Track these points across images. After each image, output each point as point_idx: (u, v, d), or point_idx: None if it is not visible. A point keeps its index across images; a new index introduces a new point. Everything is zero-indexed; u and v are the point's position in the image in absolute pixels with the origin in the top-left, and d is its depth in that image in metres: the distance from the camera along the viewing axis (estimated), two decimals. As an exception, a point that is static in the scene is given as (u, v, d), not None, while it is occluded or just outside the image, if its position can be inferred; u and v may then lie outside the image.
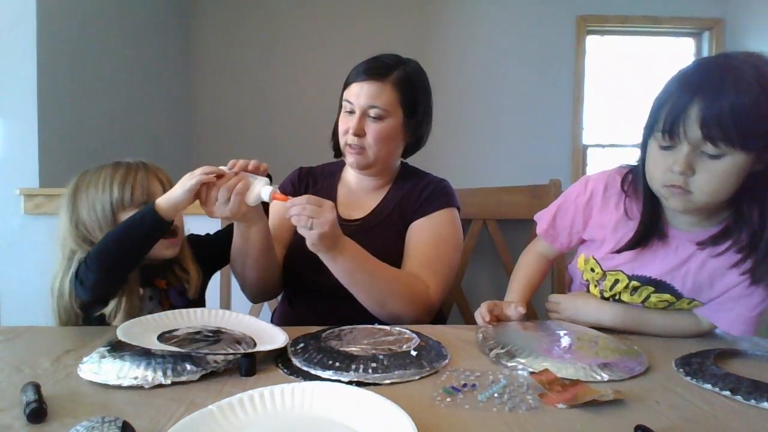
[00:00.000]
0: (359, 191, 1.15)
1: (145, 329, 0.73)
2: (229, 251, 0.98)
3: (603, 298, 0.92)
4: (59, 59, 1.72)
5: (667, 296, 0.86)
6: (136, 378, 0.61)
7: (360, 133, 1.04)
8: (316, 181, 1.18)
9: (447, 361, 0.71)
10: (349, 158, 1.08)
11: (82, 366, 0.65)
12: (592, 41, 3.69)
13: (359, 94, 1.03)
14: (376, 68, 1.05)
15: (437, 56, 3.45)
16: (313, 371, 0.65)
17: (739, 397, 0.59)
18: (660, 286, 0.85)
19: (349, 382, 0.61)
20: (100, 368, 0.64)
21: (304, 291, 1.09)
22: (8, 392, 0.59)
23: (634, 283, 0.86)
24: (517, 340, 0.76)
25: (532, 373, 0.65)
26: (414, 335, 0.77)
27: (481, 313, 0.88)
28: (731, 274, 0.80)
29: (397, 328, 0.81)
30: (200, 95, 3.41)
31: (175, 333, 0.74)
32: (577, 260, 0.98)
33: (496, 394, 0.59)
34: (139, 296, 0.92)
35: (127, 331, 0.69)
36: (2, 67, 1.56)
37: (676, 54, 3.74)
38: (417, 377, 0.65)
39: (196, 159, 3.32)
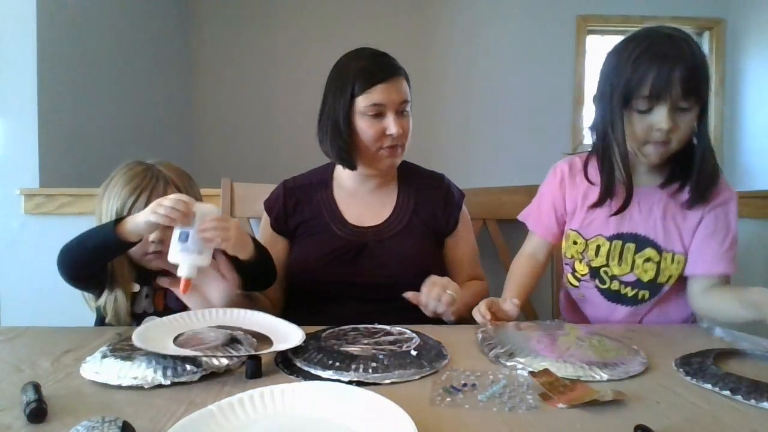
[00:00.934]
0: (360, 195, 1.13)
1: (163, 332, 0.72)
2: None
3: (591, 269, 0.99)
4: (59, 59, 1.72)
5: (649, 252, 0.94)
6: (136, 378, 0.61)
7: (401, 132, 1.04)
8: (309, 195, 1.14)
9: (447, 361, 0.71)
10: (387, 161, 1.07)
11: (84, 365, 0.65)
12: (592, 41, 3.69)
13: (390, 92, 1.02)
14: (392, 65, 1.05)
15: (437, 57, 3.45)
16: (313, 371, 0.65)
17: (739, 397, 0.59)
18: (639, 241, 0.95)
19: (349, 382, 0.61)
20: (101, 368, 0.64)
21: (327, 298, 1.06)
22: (8, 392, 0.59)
23: (616, 242, 0.96)
24: (516, 340, 0.76)
25: (532, 373, 0.65)
26: (414, 335, 0.77)
27: (480, 311, 0.89)
28: (691, 217, 0.93)
29: (397, 328, 0.81)
30: (201, 95, 3.41)
31: (181, 335, 0.74)
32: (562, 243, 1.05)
33: (496, 394, 0.59)
34: (130, 293, 0.93)
35: (142, 335, 0.69)
36: (2, 67, 1.56)
37: (676, 54, 3.73)
38: (417, 377, 0.65)
39: (196, 159, 3.32)
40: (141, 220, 0.79)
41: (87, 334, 0.83)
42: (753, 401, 0.58)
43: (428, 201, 1.14)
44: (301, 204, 1.13)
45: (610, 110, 0.90)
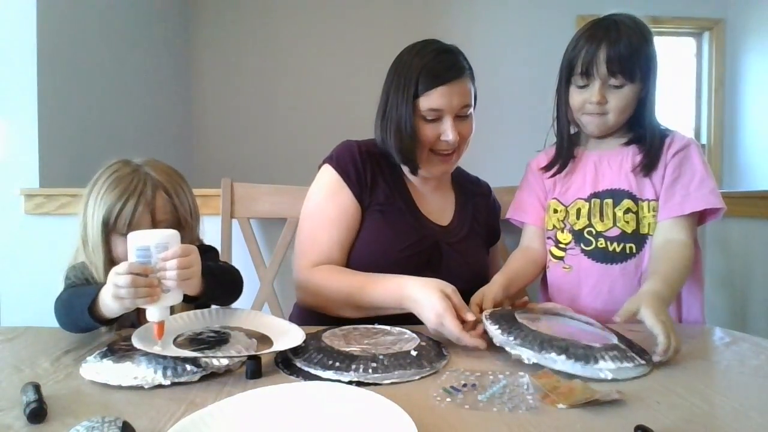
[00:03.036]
0: (424, 191, 1.08)
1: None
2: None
3: (573, 232, 1.02)
4: (59, 59, 1.72)
5: (627, 203, 0.99)
6: (136, 378, 0.61)
7: (458, 138, 0.99)
8: (382, 168, 1.04)
9: (447, 361, 0.71)
10: (438, 167, 1.03)
11: (84, 366, 0.65)
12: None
13: (451, 96, 0.97)
14: (456, 64, 0.99)
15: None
16: (313, 371, 0.65)
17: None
18: (615, 195, 1.00)
19: (349, 382, 0.61)
20: (101, 368, 0.64)
21: None
22: (8, 392, 0.59)
23: (595, 201, 1.01)
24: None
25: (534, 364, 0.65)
26: (414, 335, 0.77)
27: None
28: (659, 167, 0.99)
29: (398, 329, 0.81)
30: (201, 95, 3.40)
31: (179, 335, 0.74)
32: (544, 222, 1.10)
33: (496, 394, 0.59)
34: None
35: (141, 336, 0.69)
36: (2, 67, 1.56)
37: (676, 54, 3.73)
38: (417, 377, 0.65)
39: (196, 159, 3.32)
40: (114, 307, 0.70)
41: (87, 334, 0.83)
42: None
43: (482, 209, 1.14)
44: (376, 175, 1.03)
45: (557, 87, 1.05)
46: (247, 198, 1.40)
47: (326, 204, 1.01)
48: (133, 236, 0.69)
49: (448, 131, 0.98)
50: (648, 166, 0.99)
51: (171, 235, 0.71)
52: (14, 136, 1.57)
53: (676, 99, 3.66)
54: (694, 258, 0.96)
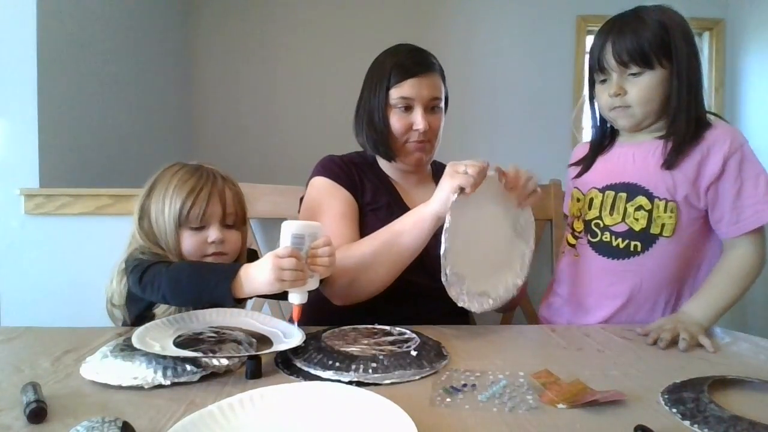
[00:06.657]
0: (407, 187, 1.13)
1: (163, 333, 0.72)
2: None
3: (585, 222, 1.02)
4: (59, 59, 1.72)
5: (640, 200, 0.95)
6: (136, 378, 0.61)
7: (428, 128, 1.04)
8: (363, 171, 1.10)
9: (447, 361, 0.71)
10: (414, 155, 1.07)
11: (84, 365, 0.65)
12: (592, 41, 3.68)
13: (420, 87, 1.03)
14: (426, 60, 1.06)
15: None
16: (313, 371, 0.65)
17: None
18: (630, 189, 0.97)
19: (349, 382, 0.61)
20: (101, 368, 0.64)
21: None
22: (8, 392, 0.59)
23: (609, 193, 0.99)
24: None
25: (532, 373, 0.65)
26: (414, 335, 0.77)
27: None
28: (686, 167, 0.92)
29: (398, 329, 0.81)
30: (201, 95, 3.41)
31: (179, 335, 0.74)
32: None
33: (496, 395, 0.59)
34: None
35: (141, 337, 0.69)
36: (2, 67, 1.56)
37: (676, 54, 3.73)
38: (417, 377, 0.65)
39: (196, 159, 3.31)
40: (262, 287, 0.73)
41: (87, 334, 0.83)
42: None
43: None
44: (362, 177, 1.09)
45: (588, 91, 1.04)
46: (247, 198, 1.40)
47: (329, 203, 1.05)
48: (288, 224, 0.73)
49: (418, 120, 1.03)
50: (670, 161, 0.93)
51: (319, 226, 0.76)
52: (14, 136, 1.58)
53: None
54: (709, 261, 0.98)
